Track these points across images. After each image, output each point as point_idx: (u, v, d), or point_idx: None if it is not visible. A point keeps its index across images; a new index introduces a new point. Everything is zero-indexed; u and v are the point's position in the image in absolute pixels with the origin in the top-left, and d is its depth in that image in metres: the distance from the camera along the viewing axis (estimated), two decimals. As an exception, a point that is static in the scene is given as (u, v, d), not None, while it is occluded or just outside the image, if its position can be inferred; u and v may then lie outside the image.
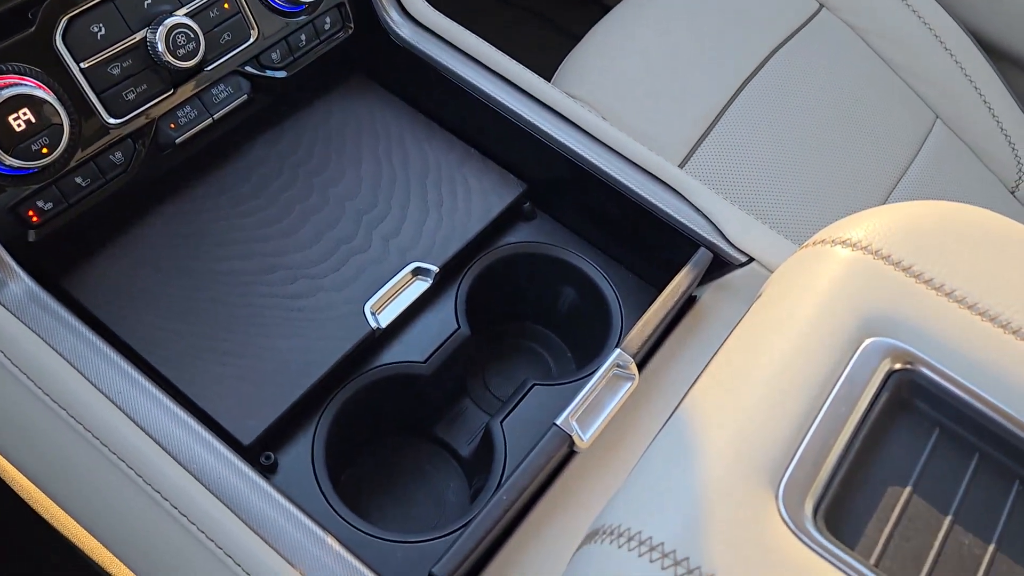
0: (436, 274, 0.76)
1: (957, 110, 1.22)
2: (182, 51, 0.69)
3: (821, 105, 1.14)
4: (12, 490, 0.64)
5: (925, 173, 1.15)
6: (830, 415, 0.48)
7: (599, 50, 1.14)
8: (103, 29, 0.66)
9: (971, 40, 1.23)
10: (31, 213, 0.66)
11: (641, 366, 0.73)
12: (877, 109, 1.17)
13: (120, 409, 0.60)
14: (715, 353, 0.56)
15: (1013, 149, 1.21)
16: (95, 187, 0.69)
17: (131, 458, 0.59)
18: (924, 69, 1.22)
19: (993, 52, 1.26)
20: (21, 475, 0.63)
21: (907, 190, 1.12)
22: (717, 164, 1.05)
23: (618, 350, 0.68)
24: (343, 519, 0.66)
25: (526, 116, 0.80)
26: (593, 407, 0.66)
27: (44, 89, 0.63)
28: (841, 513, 0.47)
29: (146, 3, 0.68)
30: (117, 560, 0.60)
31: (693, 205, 0.78)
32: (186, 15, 0.70)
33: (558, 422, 0.65)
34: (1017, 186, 1.21)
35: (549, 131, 0.80)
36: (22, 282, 0.64)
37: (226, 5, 0.73)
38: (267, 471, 0.68)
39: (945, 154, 1.18)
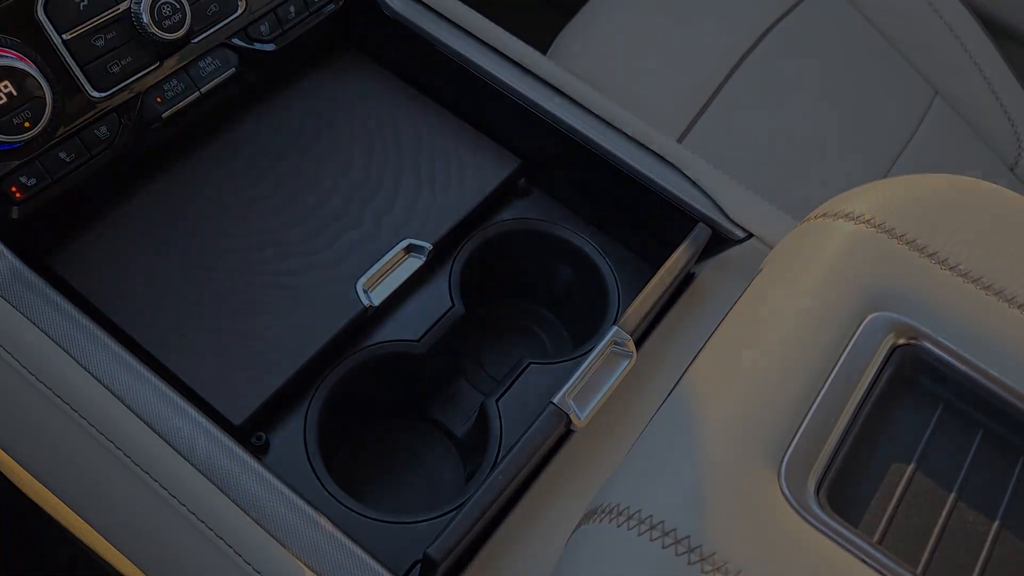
0: (429, 251, 0.75)
1: (957, 86, 1.21)
2: (168, 22, 0.68)
3: (820, 79, 1.13)
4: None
5: (924, 149, 1.14)
6: (833, 391, 0.48)
7: (595, 25, 1.13)
8: (86, -1, 0.65)
9: (971, 15, 1.22)
10: (14, 189, 0.65)
11: (639, 344, 0.72)
12: (876, 84, 1.16)
13: (108, 389, 0.60)
14: (714, 330, 0.55)
15: (1013, 126, 1.20)
16: (80, 163, 0.68)
17: (119, 439, 0.59)
18: (924, 44, 1.21)
19: (993, 27, 1.25)
20: (8, 457, 0.62)
21: (906, 166, 1.11)
22: (715, 139, 1.04)
23: (615, 327, 0.67)
24: (336, 500, 0.65)
25: (521, 90, 0.79)
26: (590, 385, 0.66)
27: (25, 61, 0.61)
28: (844, 491, 0.46)
29: (130, -28, 0.67)
30: (106, 541, 0.59)
31: (691, 180, 0.77)
32: (172, -15, 0.68)
33: (555, 400, 0.64)
34: (1016, 162, 1.20)
35: (545, 105, 0.78)
36: (6, 259, 0.63)
37: (213, -25, 0.71)
38: (258, 452, 0.67)
39: (944, 130, 1.17)
